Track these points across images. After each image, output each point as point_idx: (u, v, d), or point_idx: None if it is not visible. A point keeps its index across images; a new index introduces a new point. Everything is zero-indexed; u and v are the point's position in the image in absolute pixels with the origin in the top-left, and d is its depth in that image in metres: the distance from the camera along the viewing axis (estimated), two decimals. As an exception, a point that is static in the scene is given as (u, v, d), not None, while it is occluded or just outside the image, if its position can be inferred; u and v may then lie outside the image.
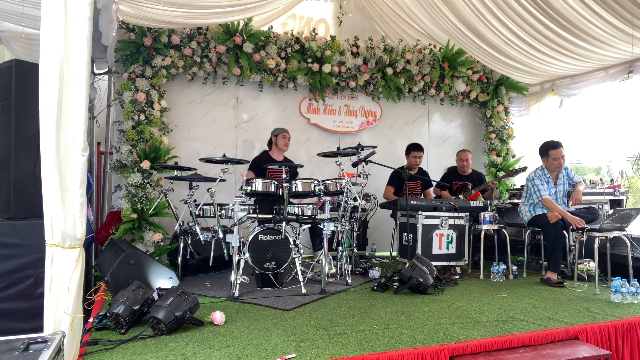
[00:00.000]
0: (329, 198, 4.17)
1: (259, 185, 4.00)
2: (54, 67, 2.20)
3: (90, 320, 2.96)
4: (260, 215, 4.01)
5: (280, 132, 5.09)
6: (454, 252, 4.70)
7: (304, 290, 3.78)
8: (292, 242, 3.92)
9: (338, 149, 5.49)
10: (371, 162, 4.54)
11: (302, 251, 4.05)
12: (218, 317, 2.99)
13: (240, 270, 3.73)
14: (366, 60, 5.75)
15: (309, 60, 5.47)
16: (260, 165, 4.79)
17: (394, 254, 5.43)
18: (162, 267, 3.80)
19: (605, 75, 5.51)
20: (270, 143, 5.18)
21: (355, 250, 4.77)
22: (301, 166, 4.49)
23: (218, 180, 3.93)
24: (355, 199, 4.18)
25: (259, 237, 3.87)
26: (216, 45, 5.11)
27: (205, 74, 5.33)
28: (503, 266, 4.53)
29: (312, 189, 4.10)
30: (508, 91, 6.54)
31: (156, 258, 4.28)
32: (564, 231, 4.47)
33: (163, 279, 3.72)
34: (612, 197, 5.09)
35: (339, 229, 4.15)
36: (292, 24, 6.07)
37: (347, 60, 5.64)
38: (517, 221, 5.26)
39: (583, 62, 5.39)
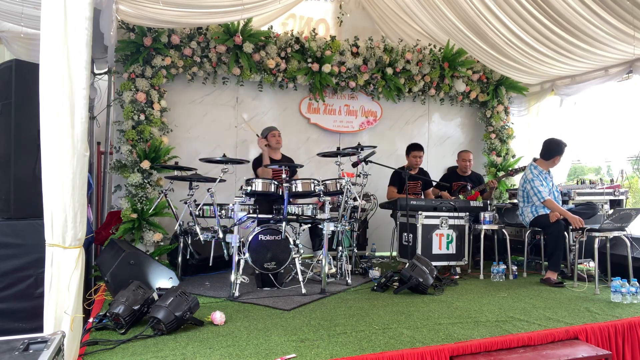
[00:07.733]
0: (328, 198, 4.17)
1: (258, 185, 4.00)
2: (54, 67, 2.20)
3: (90, 320, 2.96)
4: (260, 215, 4.01)
5: (269, 132, 5.02)
6: (454, 252, 4.70)
7: (304, 290, 3.78)
8: (292, 242, 3.92)
9: (338, 149, 5.49)
10: (371, 162, 4.54)
11: (302, 251, 4.05)
12: (218, 317, 2.99)
13: (240, 270, 3.73)
14: (366, 60, 5.74)
15: (309, 60, 5.47)
16: (257, 166, 4.81)
17: (394, 254, 5.42)
18: (162, 267, 3.80)
19: (605, 75, 5.51)
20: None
21: (355, 250, 4.77)
22: (301, 166, 4.49)
23: (218, 180, 3.94)
24: (355, 199, 4.18)
25: (259, 237, 3.88)
26: (216, 45, 5.11)
27: (205, 74, 5.33)
28: (503, 266, 4.53)
29: (312, 189, 4.10)
30: (508, 91, 6.53)
31: (156, 258, 4.28)
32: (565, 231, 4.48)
33: (163, 279, 3.72)
34: (612, 197, 5.09)
35: (339, 229, 4.16)
36: (292, 24, 6.07)
37: (347, 60, 5.64)
38: (517, 221, 5.25)
39: (583, 63, 5.39)
